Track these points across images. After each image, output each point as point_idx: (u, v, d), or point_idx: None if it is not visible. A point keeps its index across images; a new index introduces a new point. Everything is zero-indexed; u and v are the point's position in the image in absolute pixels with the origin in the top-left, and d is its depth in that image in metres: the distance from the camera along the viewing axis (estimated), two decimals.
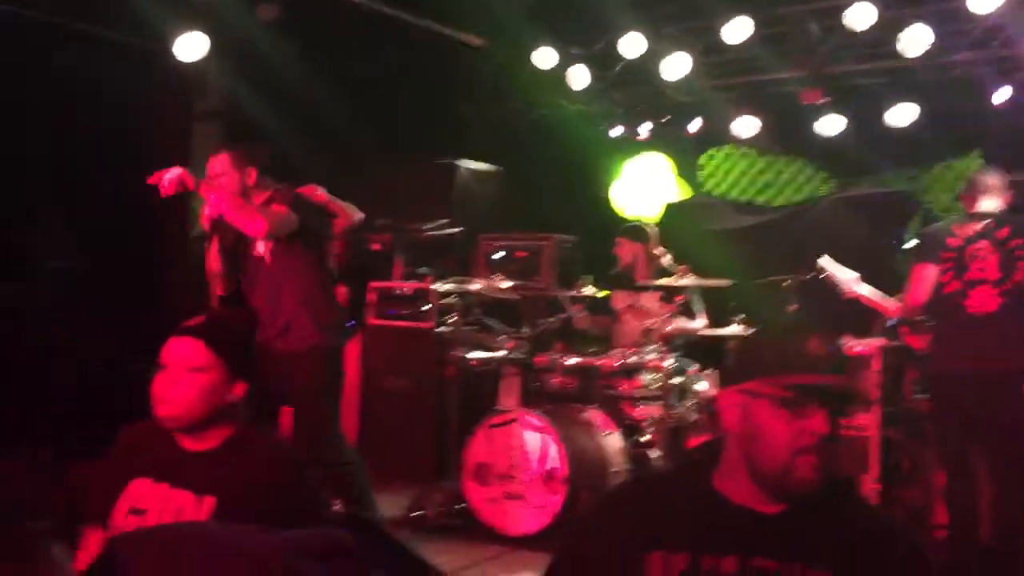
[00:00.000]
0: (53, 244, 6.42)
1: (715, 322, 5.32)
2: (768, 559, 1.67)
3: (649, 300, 5.44)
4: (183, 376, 2.25)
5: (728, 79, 6.65)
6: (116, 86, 5.71)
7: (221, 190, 4.03)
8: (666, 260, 5.46)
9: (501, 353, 5.08)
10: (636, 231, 5.68)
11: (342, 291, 6.23)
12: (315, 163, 5.89)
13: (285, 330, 4.06)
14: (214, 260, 4.20)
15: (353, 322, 6.28)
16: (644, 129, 7.21)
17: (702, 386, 5.23)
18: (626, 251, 5.60)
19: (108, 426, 2.55)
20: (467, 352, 5.19)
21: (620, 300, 5.55)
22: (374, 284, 6.02)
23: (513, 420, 4.65)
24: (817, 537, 1.68)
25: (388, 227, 6.21)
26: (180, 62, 5.52)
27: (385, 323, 5.91)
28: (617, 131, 7.30)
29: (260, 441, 2.36)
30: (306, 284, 4.12)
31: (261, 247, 4.14)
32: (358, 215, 4.66)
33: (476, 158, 6.77)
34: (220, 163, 4.18)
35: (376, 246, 6.28)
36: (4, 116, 5.51)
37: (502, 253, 6.32)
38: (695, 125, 7.02)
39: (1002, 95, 5.96)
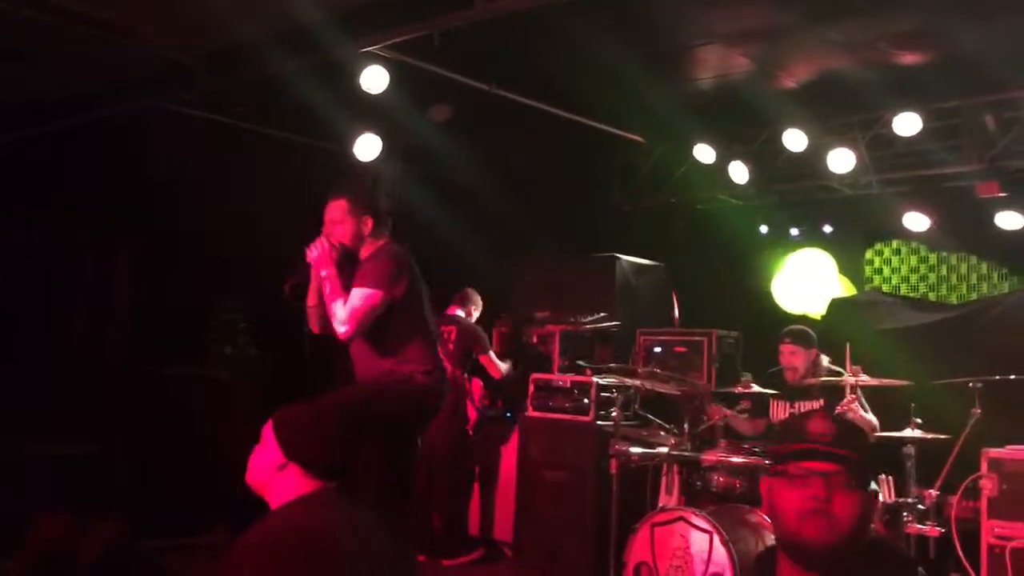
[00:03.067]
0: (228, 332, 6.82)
1: (891, 425, 5.08)
2: None
3: (811, 406, 5.24)
4: None
5: (896, 173, 6.49)
6: (301, 186, 6.09)
7: (326, 263, 4.07)
8: (824, 362, 5.27)
9: (663, 449, 4.98)
10: (804, 336, 5.44)
11: (477, 384, 6.33)
12: (480, 257, 6.09)
13: None
14: (312, 296, 4.18)
15: (510, 413, 6.35)
16: (806, 225, 7.12)
17: (877, 491, 4.97)
18: (795, 358, 5.36)
19: None
20: (628, 447, 5.11)
21: (779, 409, 5.39)
22: (534, 376, 6.07)
23: (679, 519, 4.53)
24: None
25: (549, 320, 6.28)
26: (358, 161, 5.86)
27: (544, 415, 5.91)
28: (777, 226, 7.22)
29: None
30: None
31: None
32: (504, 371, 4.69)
33: (636, 253, 6.80)
34: (337, 209, 4.20)
35: (536, 339, 6.35)
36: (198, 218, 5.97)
37: (660, 348, 6.27)
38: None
39: None
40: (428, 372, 4.21)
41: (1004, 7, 4.71)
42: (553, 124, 6.33)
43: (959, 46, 5.24)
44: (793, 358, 5.31)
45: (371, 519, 2.52)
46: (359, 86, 5.30)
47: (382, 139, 6.04)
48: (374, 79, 5.29)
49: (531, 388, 6.02)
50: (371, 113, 5.83)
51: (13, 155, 5.82)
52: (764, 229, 7.24)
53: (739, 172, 6.82)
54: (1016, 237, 6.23)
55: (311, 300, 4.21)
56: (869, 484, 1.93)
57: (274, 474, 2.54)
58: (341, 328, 4.02)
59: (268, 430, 2.58)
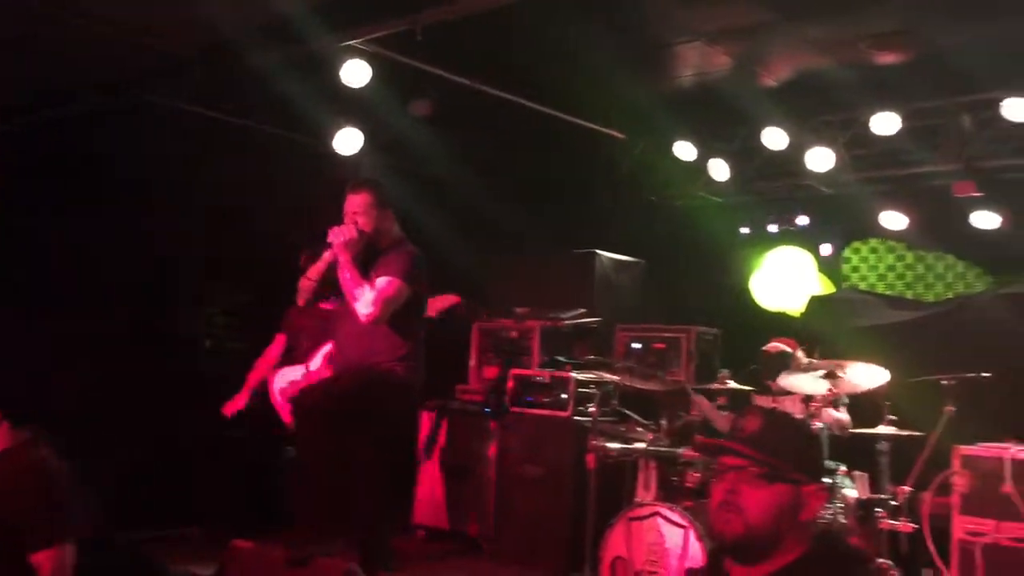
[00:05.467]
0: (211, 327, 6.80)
1: (866, 422, 5.13)
2: None
3: (792, 402, 5.28)
4: None
5: (875, 171, 6.53)
6: (281, 181, 6.08)
7: (350, 249, 4.21)
8: (803, 359, 5.31)
9: (641, 445, 5.01)
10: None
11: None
12: (460, 250, 6.08)
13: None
14: (315, 272, 4.34)
15: (489, 408, 6.35)
16: (784, 223, 7.15)
17: (850, 488, 5.01)
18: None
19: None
20: (605, 442, 5.14)
21: (764, 402, 5.42)
22: (514, 371, 6.08)
23: (654, 514, 4.56)
24: None
25: (528, 315, 6.29)
26: (339, 156, 5.85)
27: (523, 410, 5.93)
28: (757, 224, 7.26)
29: None
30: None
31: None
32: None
33: (616, 249, 6.82)
34: (360, 201, 4.34)
35: (515, 334, 6.36)
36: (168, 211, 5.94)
37: (639, 344, 6.30)
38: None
39: None
40: (415, 369, 4.33)
41: (981, 9, 4.75)
42: (535, 120, 6.33)
43: (937, 47, 5.28)
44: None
45: None
46: (340, 80, 5.29)
47: (364, 133, 6.03)
48: (355, 73, 5.28)
49: (510, 384, 6.04)
50: (352, 107, 5.82)
51: None
52: (745, 229, 7.26)
53: (719, 170, 6.85)
54: (991, 236, 6.29)
55: (312, 275, 4.39)
56: (796, 479, 2.00)
57: None
58: (366, 310, 4.19)
59: None
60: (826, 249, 7.06)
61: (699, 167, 6.92)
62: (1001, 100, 5.52)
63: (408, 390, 4.43)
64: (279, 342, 5.69)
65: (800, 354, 5.36)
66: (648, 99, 6.25)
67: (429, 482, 6.28)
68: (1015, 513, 4.37)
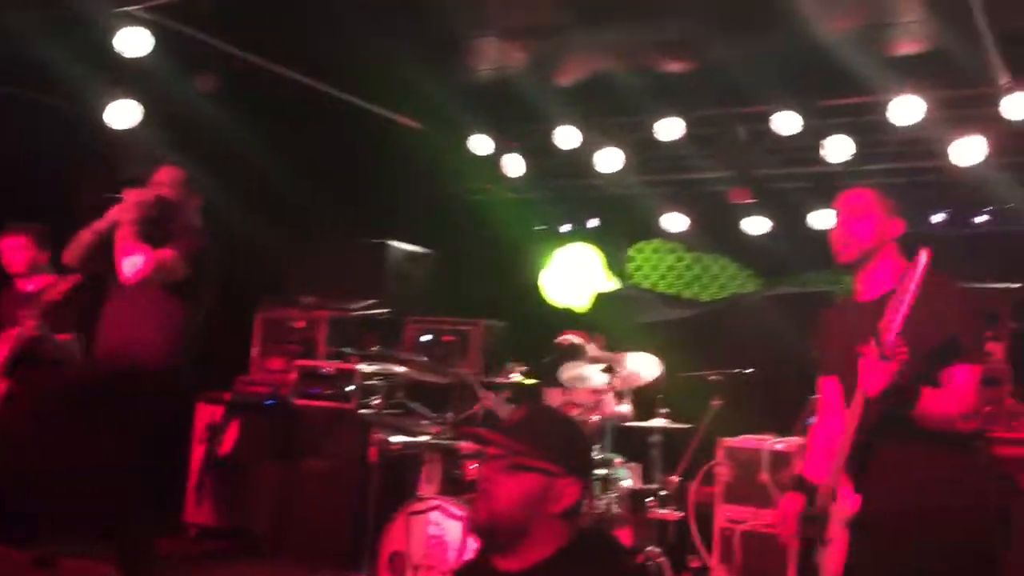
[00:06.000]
0: None
1: (641, 415, 5.33)
2: None
3: (582, 395, 5.41)
4: None
5: (658, 175, 6.80)
6: (45, 150, 5.60)
7: (134, 212, 4.09)
8: (593, 351, 5.46)
9: (424, 438, 4.98)
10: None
11: None
12: (248, 234, 5.83)
13: None
14: (99, 226, 4.17)
15: (271, 400, 6.14)
16: (575, 222, 7.34)
17: (625, 478, 5.20)
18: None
19: None
20: (389, 436, 5.07)
21: (555, 398, 5.53)
22: (298, 362, 5.90)
23: (434, 507, 4.54)
24: None
25: (315, 305, 6.12)
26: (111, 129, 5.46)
27: (308, 403, 5.77)
28: (550, 221, 7.41)
29: None
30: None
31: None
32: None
33: (409, 240, 6.76)
34: (173, 175, 4.31)
35: (301, 323, 6.18)
36: None
37: (429, 336, 6.27)
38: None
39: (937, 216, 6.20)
40: (181, 359, 4.15)
41: (754, 25, 5.02)
42: (331, 105, 6.16)
43: (717, 58, 5.56)
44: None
45: None
46: (115, 48, 4.95)
47: (143, 105, 5.65)
48: (133, 41, 4.95)
49: (294, 375, 5.86)
50: (130, 78, 5.45)
51: None
52: (538, 226, 7.40)
53: (514, 165, 6.93)
54: (761, 241, 6.70)
55: (86, 233, 4.19)
56: (548, 470, 2.02)
57: None
58: (133, 270, 4.07)
59: None
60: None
61: (494, 162, 6.96)
62: (772, 114, 5.87)
63: (172, 381, 4.22)
64: None
65: (592, 347, 5.50)
66: (445, 91, 6.22)
67: (203, 478, 5.99)
68: (771, 501, 4.66)
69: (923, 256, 2.43)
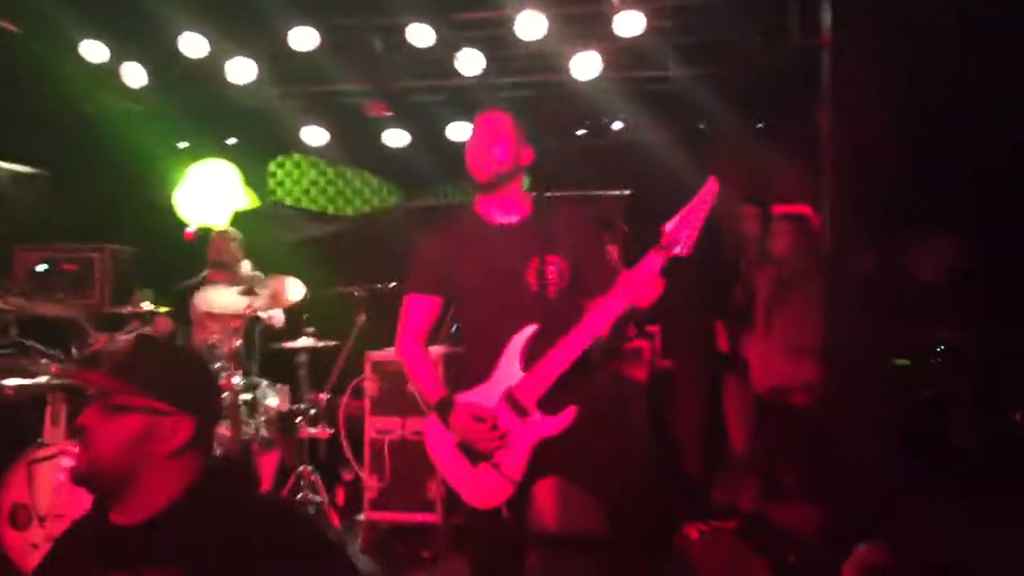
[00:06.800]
0: None
1: (287, 336, 5.23)
2: (123, 570, 1.79)
3: (219, 320, 5.18)
4: None
5: (296, 87, 6.56)
6: None
7: None
8: (246, 268, 5.27)
9: (44, 379, 4.51)
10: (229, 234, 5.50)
11: None
12: None
13: None
14: None
15: None
16: (210, 136, 6.92)
17: (272, 401, 5.10)
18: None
19: None
20: (2, 378, 4.55)
21: (200, 320, 5.25)
22: None
23: (58, 454, 4.16)
24: (171, 541, 1.80)
25: None
26: None
27: None
28: (181, 136, 6.91)
29: None
30: None
31: None
32: None
33: (15, 159, 5.99)
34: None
35: None
36: None
37: (45, 266, 5.65)
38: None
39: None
40: None
41: None
42: None
43: None
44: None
45: None
46: None
47: None
48: None
49: None
50: None
51: None
52: (169, 142, 6.87)
53: (134, 75, 6.32)
54: (401, 154, 6.74)
55: None
56: (151, 407, 1.86)
57: None
58: None
59: None
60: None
61: (113, 71, 6.31)
62: (407, 25, 5.84)
63: None
64: None
65: (245, 265, 5.30)
66: None
67: None
68: (418, 409, 4.80)
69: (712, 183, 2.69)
